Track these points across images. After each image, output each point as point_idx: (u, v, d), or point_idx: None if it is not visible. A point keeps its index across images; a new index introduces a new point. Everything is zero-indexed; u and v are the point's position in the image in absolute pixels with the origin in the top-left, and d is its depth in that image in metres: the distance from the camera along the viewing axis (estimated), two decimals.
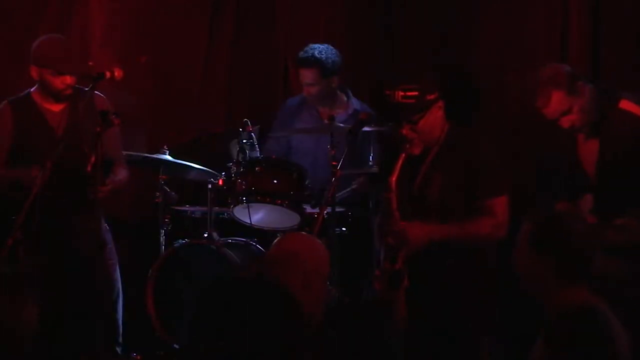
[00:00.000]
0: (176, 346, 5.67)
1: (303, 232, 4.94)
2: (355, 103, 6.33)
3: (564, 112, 4.91)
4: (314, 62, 6.16)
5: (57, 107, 5.54)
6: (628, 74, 6.04)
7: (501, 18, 6.52)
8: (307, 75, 6.21)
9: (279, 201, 5.69)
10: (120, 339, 5.75)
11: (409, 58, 6.72)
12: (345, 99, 6.35)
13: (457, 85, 6.17)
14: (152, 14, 6.74)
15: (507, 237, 4.59)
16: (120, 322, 5.75)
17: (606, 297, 3.63)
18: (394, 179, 4.66)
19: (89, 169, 4.87)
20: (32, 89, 5.59)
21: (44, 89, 5.53)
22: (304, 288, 3.82)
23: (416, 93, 4.71)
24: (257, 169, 5.74)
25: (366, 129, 5.39)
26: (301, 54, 6.22)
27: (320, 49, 6.18)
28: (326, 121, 5.98)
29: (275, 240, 4.12)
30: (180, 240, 5.87)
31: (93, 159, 4.87)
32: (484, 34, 6.55)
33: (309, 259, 3.97)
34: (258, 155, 5.83)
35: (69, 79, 5.45)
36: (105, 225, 5.63)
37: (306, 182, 5.76)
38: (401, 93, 4.72)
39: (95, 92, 5.48)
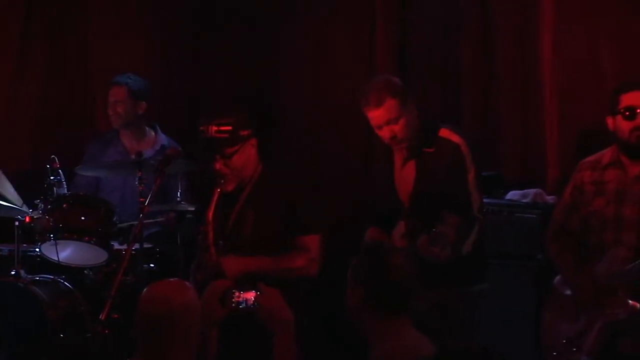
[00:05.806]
0: None
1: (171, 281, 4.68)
2: (163, 139, 6.42)
3: (389, 121, 4.96)
4: (123, 82, 6.34)
5: None
6: (433, 85, 6.31)
7: (309, 36, 6.73)
8: (117, 93, 6.36)
9: (87, 237, 5.69)
10: None
11: (218, 91, 6.85)
12: (153, 134, 6.44)
13: (269, 123, 6.33)
14: None
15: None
16: None
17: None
18: (210, 213, 4.74)
19: None
20: None
21: None
22: (185, 344, 3.79)
23: (230, 128, 4.79)
24: (64, 205, 5.71)
25: (174, 164, 5.45)
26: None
27: (130, 75, 6.40)
28: (133, 157, 6.00)
29: (145, 296, 3.91)
30: None
31: None
32: (292, 55, 6.75)
33: (185, 315, 3.87)
34: (65, 191, 5.83)
35: None
36: None
37: (114, 219, 5.78)
38: (215, 128, 4.79)
39: None
